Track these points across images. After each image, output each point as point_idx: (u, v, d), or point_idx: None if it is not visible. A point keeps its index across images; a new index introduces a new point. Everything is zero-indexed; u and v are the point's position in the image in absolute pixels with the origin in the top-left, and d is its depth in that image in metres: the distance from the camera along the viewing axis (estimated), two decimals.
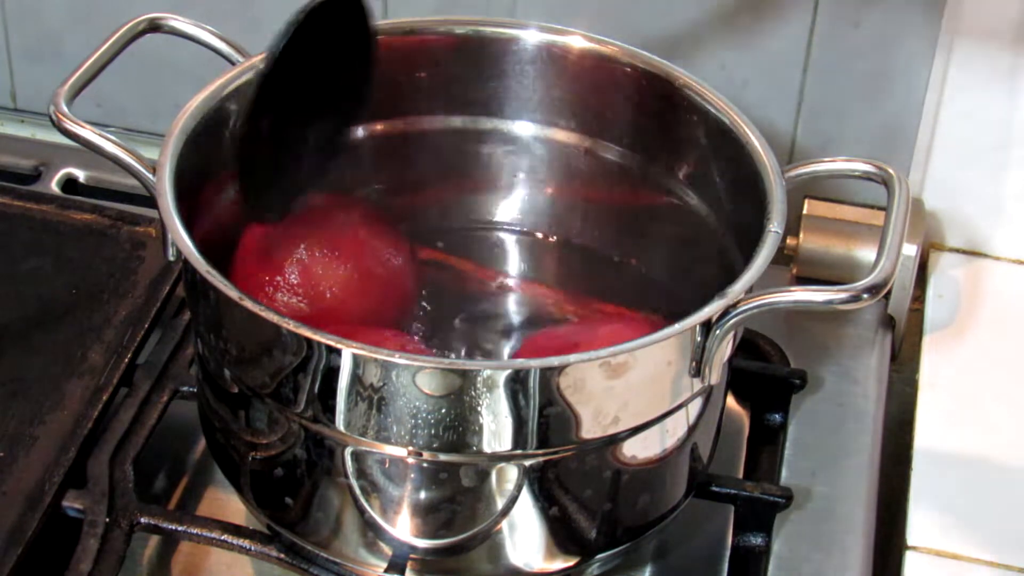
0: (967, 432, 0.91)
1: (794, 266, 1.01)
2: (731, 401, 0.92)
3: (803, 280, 1.01)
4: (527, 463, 0.73)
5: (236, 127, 0.79)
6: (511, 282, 0.91)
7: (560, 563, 0.78)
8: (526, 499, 0.74)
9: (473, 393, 0.69)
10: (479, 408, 0.69)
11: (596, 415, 0.71)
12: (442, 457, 0.72)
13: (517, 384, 0.69)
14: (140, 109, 1.12)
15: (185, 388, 0.87)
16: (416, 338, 0.85)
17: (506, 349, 0.87)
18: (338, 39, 0.80)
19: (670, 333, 0.71)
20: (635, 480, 0.76)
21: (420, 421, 0.70)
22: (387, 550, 0.76)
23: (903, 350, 1.01)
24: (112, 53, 0.82)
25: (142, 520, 0.80)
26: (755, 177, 0.79)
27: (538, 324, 0.89)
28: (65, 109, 0.78)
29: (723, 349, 0.73)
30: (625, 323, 0.84)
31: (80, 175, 1.09)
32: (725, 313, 0.71)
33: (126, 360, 0.87)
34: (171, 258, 0.78)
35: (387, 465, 0.73)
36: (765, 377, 0.93)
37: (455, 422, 0.70)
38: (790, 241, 1.00)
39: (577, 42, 0.87)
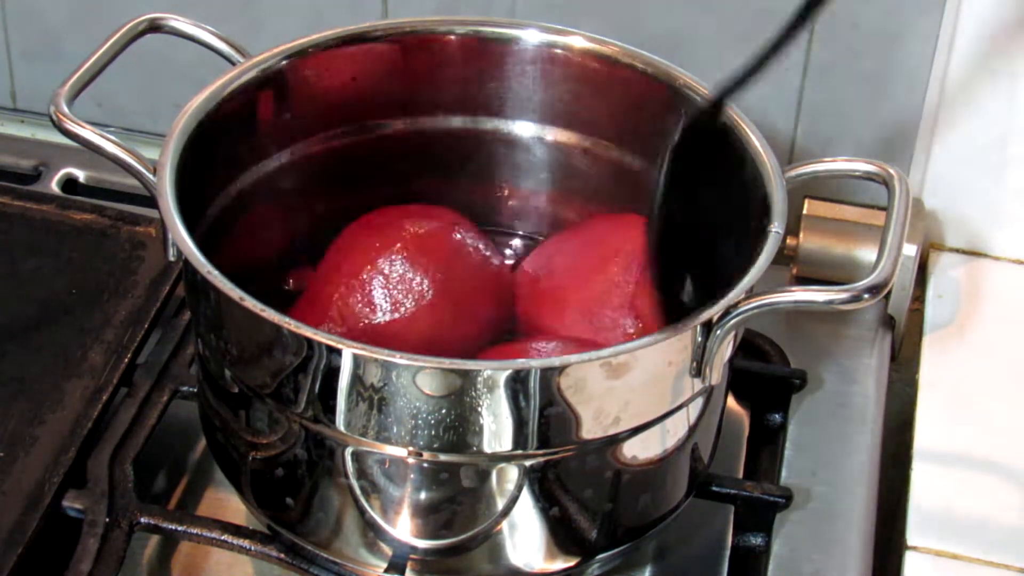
0: (967, 432, 0.91)
1: (794, 266, 1.01)
2: (731, 401, 0.92)
3: (803, 280, 1.01)
4: (527, 463, 0.73)
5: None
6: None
7: (560, 563, 0.78)
8: (526, 499, 0.74)
9: (473, 393, 0.69)
10: (479, 408, 0.69)
11: (597, 415, 0.71)
12: (442, 457, 0.72)
13: (517, 384, 0.69)
14: (140, 109, 1.12)
15: (185, 388, 0.87)
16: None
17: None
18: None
19: (671, 333, 0.71)
20: (635, 480, 0.76)
21: (420, 421, 0.70)
22: (387, 550, 0.76)
23: (903, 350, 1.01)
24: (112, 53, 0.82)
25: (142, 520, 0.80)
26: (755, 177, 0.79)
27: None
28: (65, 109, 0.78)
29: (724, 349, 0.73)
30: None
31: (80, 175, 1.09)
32: (726, 313, 0.71)
33: (126, 360, 0.87)
34: (171, 258, 0.78)
35: (387, 465, 0.73)
36: (765, 377, 0.93)
37: (455, 422, 0.70)
38: (790, 241, 1.00)
39: (577, 42, 0.87)
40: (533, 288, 0.87)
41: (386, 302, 0.82)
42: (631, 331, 0.82)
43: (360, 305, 0.82)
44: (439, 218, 0.86)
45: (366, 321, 0.82)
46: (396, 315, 0.82)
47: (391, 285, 0.82)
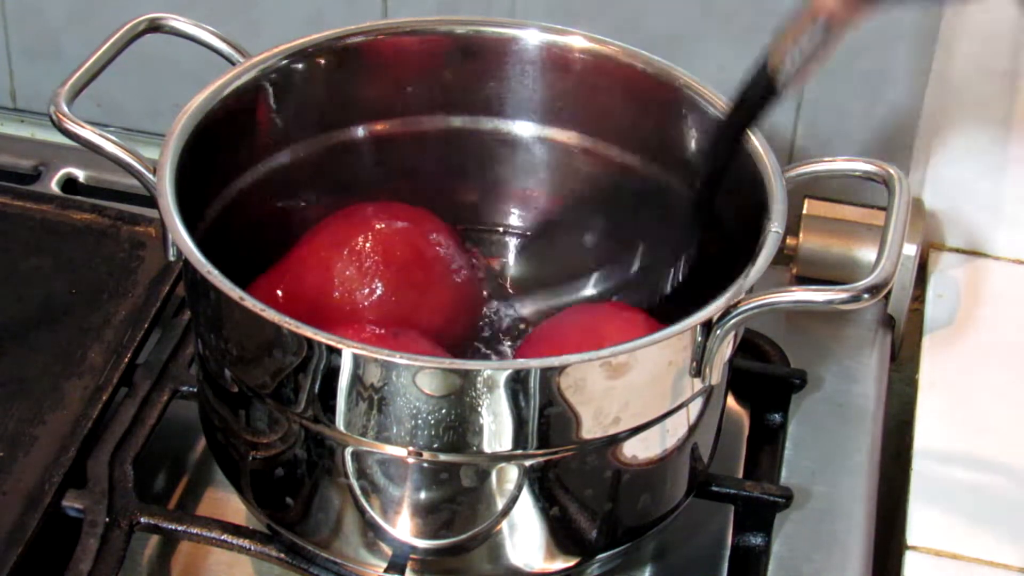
0: (967, 432, 0.91)
1: (794, 266, 1.01)
2: (731, 401, 0.92)
3: (803, 280, 1.01)
4: (527, 463, 0.73)
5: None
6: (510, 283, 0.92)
7: (560, 563, 0.78)
8: (526, 499, 0.74)
9: (473, 393, 0.69)
10: (479, 408, 0.69)
11: (597, 415, 0.71)
12: (442, 457, 0.72)
13: (517, 384, 0.69)
14: (140, 109, 1.12)
15: (185, 388, 0.87)
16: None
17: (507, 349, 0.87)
18: None
19: (671, 333, 0.71)
20: (636, 480, 0.76)
21: (420, 421, 0.70)
22: (387, 550, 0.76)
23: (903, 350, 1.01)
24: (112, 53, 0.82)
25: (142, 520, 0.80)
26: (755, 177, 0.79)
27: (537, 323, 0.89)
28: (65, 109, 0.78)
29: (724, 349, 0.73)
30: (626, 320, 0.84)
31: (80, 175, 1.09)
32: (726, 313, 0.71)
33: (126, 360, 0.87)
34: (171, 258, 0.78)
35: (387, 465, 0.73)
36: (765, 377, 0.93)
37: (455, 422, 0.70)
38: (790, 241, 1.00)
39: (577, 42, 0.87)
40: None
41: (336, 289, 0.82)
42: None
43: (308, 288, 0.82)
44: (408, 218, 0.85)
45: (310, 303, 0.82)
46: (347, 306, 0.82)
47: (343, 273, 0.82)
